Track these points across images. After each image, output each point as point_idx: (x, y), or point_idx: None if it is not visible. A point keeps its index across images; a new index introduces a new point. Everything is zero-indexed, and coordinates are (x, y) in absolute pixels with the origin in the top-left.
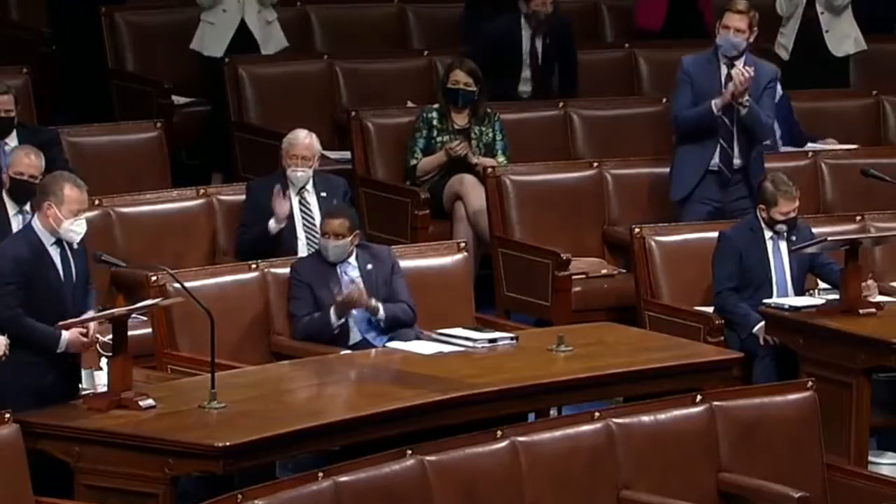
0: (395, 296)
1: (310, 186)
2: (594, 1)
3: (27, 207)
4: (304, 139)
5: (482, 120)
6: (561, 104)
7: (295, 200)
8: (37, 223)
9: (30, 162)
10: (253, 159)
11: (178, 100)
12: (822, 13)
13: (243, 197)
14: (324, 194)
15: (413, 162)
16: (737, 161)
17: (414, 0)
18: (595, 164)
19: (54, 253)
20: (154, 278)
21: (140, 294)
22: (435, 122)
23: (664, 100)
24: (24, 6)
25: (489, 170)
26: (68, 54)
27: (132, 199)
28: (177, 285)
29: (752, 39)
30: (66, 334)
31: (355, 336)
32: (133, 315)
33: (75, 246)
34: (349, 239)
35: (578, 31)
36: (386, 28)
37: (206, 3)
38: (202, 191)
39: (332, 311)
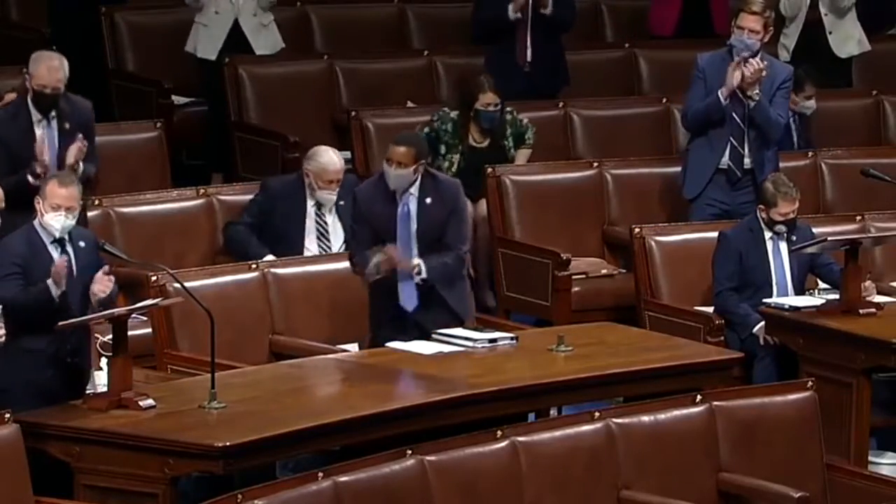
0: (447, 236)
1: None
2: (594, 1)
3: (52, 113)
4: (337, 163)
5: (503, 131)
6: (561, 104)
7: (310, 203)
8: (37, 222)
9: (52, 76)
10: (253, 159)
11: (178, 100)
12: (825, 14)
13: (243, 197)
14: (342, 202)
15: None
16: (747, 160)
17: (414, 0)
18: (595, 164)
19: (54, 251)
20: (154, 278)
21: (140, 294)
22: (447, 138)
23: (664, 100)
24: (24, 6)
25: (489, 170)
26: (68, 54)
27: (132, 199)
28: (177, 285)
29: (766, 40)
30: (49, 280)
31: (408, 299)
32: (133, 315)
33: (81, 244)
34: (412, 168)
35: (578, 31)
36: (386, 28)
37: (193, 4)
38: (202, 191)
39: (369, 267)
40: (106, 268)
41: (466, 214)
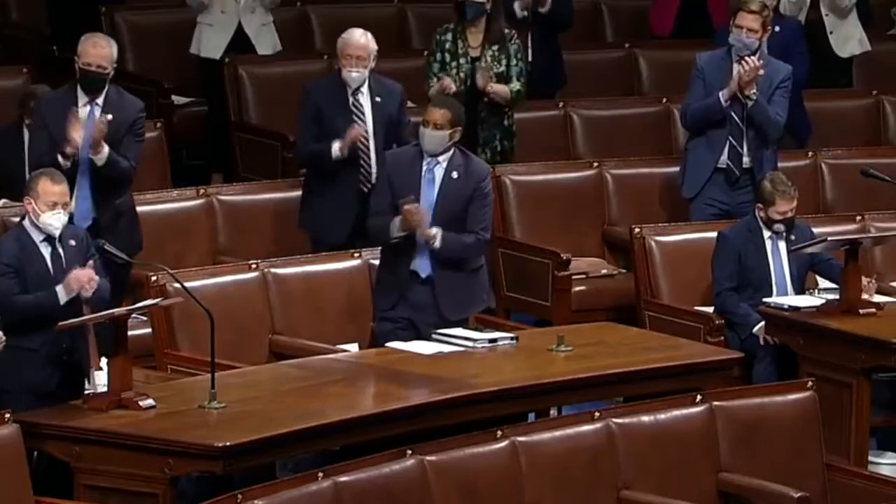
0: (469, 219)
1: (365, 89)
2: (594, 1)
3: (99, 100)
4: (358, 38)
5: (497, 41)
6: (561, 104)
7: (350, 101)
8: (27, 222)
9: (98, 53)
10: (253, 159)
11: (178, 100)
12: (826, 15)
13: (243, 197)
14: (378, 99)
15: (428, 89)
16: (746, 160)
17: (414, 0)
18: (595, 164)
19: (45, 250)
20: (154, 278)
21: (140, 294)
22: (448, 46)
23: (664, 100)
24: (24, 6)
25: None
26: (68, 54)
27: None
28: (177, 285)
29: (765, 39)
30: (60, 286)
31: (422, 264)
32: (133, 315)
33: (72, 243)
34: (448, 132)
35: (578, 31)
36: (386, 28)
37: (195, 5)
38: (202, 191)
39: (396, 220)
40: (91, 262)
41: (491, 200)
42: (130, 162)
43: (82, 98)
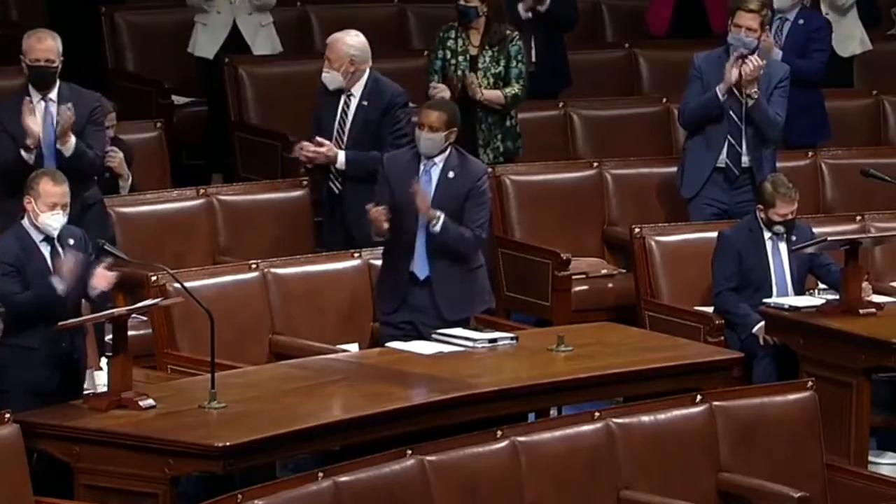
0: (464, 218)
1: (356, 90)
2: (594, 1)
3: (52, 95)
4: (335, 40)
5: (496, 42)
6: (561, 104)
7: (341, 102)
8: (26, 221)
9: (43, 47)
10: (253, 159)
11: (178, 100)
12: (826, 14)
13: (243, 197)
14: (365, 102)
15: (429, 88)
16: (745, 159)
17: (414, 0)
18: (595, 164)
19: (45, 250)
20: (154, 278)
21: (140, 294)
22: (450, 44)
23: (664, 100)
24: (24, 6)
25: (489, 169)
26: (68, 54)
27: (132, 199)
28: (177, 285)
29: (763, 38)
30: (54, 278)
31: (420, 265)
32: (133, 315)
33: (70, 242)
34: (444, 134)
35: (578, 31)
36: (386, 28)
37: (195, 6)
38: (202, 191)
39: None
40: (108, 261)
41: (487, 199)
42: (96, 152)
43: (35, 97)
